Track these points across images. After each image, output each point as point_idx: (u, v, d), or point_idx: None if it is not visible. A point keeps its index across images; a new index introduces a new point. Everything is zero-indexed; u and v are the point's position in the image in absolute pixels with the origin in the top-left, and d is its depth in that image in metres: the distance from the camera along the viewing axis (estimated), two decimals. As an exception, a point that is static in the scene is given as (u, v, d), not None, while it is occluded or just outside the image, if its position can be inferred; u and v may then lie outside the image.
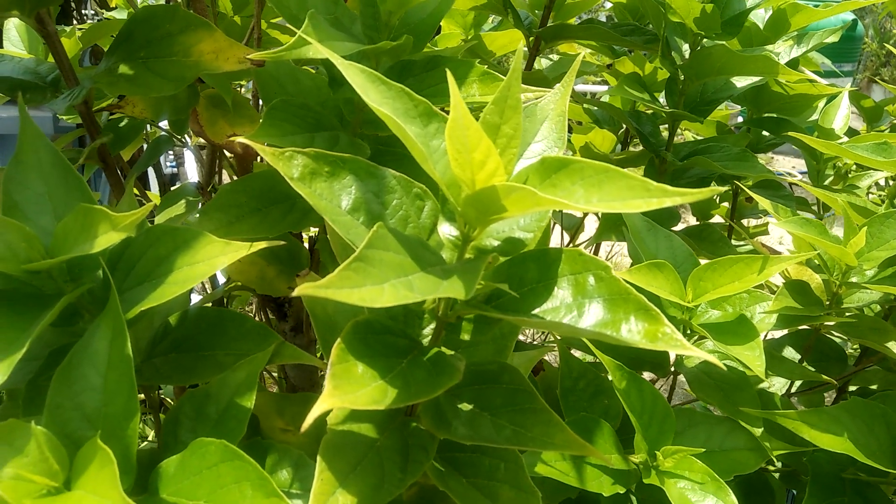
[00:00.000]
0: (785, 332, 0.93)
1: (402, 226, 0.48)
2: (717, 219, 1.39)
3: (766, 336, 0.84)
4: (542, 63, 1.28)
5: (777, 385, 0.95)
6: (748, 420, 0.72)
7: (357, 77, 0.44)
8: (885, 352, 0.78)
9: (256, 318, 0.74)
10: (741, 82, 1.01)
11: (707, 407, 1.07)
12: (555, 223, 1.46)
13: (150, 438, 1.29)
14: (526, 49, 1.06)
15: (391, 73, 0.63)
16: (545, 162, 0.42)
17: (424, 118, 0.46)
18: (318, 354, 1.05)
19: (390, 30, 0.62)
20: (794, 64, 1.09)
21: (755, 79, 1.00)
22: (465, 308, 0.47)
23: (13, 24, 0.93)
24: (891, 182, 1.57)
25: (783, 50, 1.08)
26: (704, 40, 0.96)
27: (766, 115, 1.13)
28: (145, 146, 1.04)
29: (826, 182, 1.20)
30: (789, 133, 0.96)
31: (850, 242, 0.72)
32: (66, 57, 0.68)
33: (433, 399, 0.45)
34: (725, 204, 1.38)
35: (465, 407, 0.50)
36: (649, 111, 1.11)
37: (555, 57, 1.31)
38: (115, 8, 1.19)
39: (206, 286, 1.29)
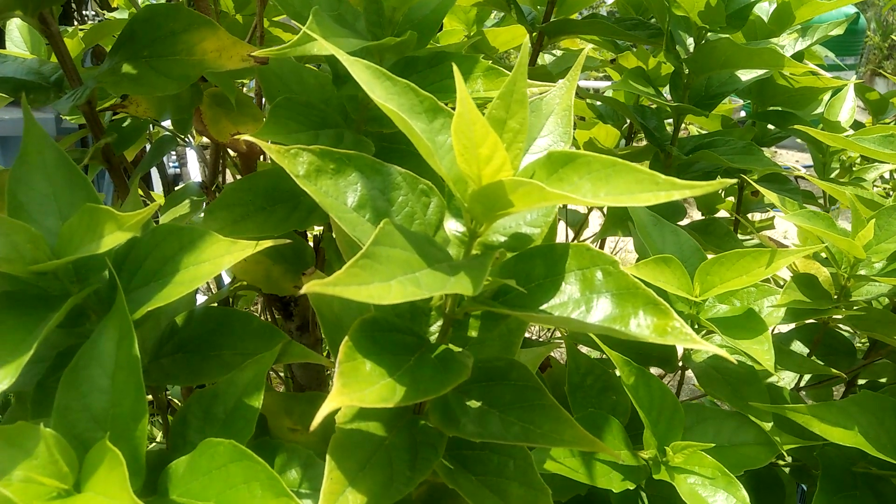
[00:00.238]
0: (792, 326, 0.92)
1: (408, 222, 0.48)
2: (722, 213, 1.39)
3: (773, 330, 0.84)
4: (545, 59, 1.28)
5: (786, 380, 0.94)
6: (757, 415, 0.71)
7: (362, 73, 0.44)
8: (894, 344, 0.78)
9: (262, 318, 0.74)
10: (746, 76, 1.00)
11: (714, 402, 1.07)
12: (559, 219, 1.46)
13: (158, 440, 1.29)
14: (529, 45, 1.05)
15: (395, 69, 0.63)
16: (552, 156, 0.42)
17: (430, 114, 0.46)
18: (325, 353, 1.05)
19: (394, 26, 0.62)
20: (799, 57, 1.08)
21: (760, 72, 1.00)
22: (473, 304, 0.47)
23: (16, 25, 0.93)
24: (895, 175, 1.57)
25: (788, 43, 1.08)
26: (709, 34, 0.95)
27: (770, 108, 1.12)
28: (148, 146, 1.04)
29: (832, 175, 1.20)
30: (796, 126, 0.96)
31: (858, 235, 0.71)
32: (70, 57, 0.68)
33: (441, 396, 0.44)
34: (731, 198, 1.37)
35: (474, 404, 0.50)
36: (654, 106, 1.10)
37: (558, 52, 1.31)
38: (117, 9, 1.19)
39: (212, 286, 1.29)
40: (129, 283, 0.53)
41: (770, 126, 1.17)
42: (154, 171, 1.81)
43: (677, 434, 0.67)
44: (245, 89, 1.23)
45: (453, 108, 0.39)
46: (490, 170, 0.39)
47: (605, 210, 1.25)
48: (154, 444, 1.23)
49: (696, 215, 1.37)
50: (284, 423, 0.67)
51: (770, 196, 0.81)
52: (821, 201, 1.24)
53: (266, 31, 0.94)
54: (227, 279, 1.03)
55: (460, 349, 0.49)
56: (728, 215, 1.37)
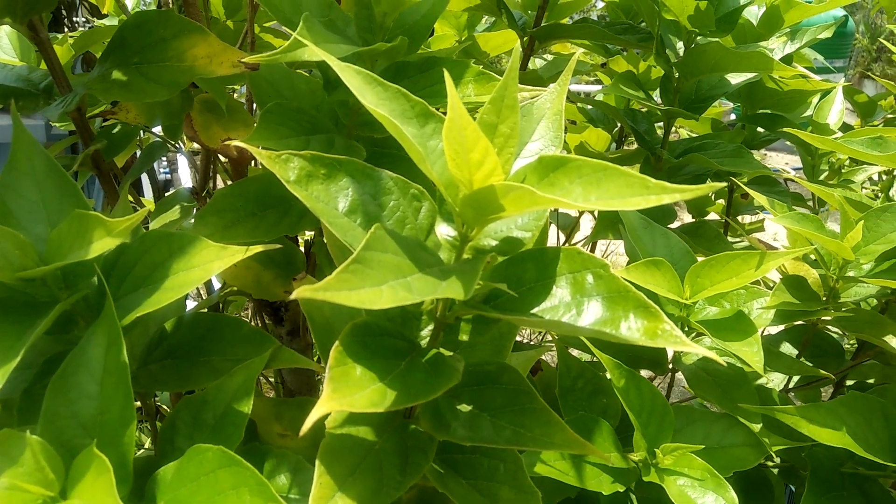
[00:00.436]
0: (781, 327, 0.93)
1: (400, 227, 0.48)
2: (712, 216, 1.39)
3: (762, 332, 0.84)
4: (536, 63, 1.28)
5: (774, 381, 0.95)
6: (747, 416, 0.72)
7: (353, 79, 0.44)
8: (882, 345, 0.78)
9: (252, 323, 0.74)
10: (736, 79, 1.01)
11: (703, 404, 1.07)
12: (550, 223, 1.46)
13: (146, 446, 1.28)
14: (521, 50, 1.06)
15: (386, 74, 0.63)
16: (543, 161, 0.42)
17: (421, 119, 0.46)
18: (315, 358, 1.04)
19: (385, 31, 0.62)
20: (788, 60, 1.09)
21: (750, 75, 1.00)
22: (464, 308, 0.47)
23: (4, 32, 0.93)
24: (884, 176, 1.57)
25: (777, 46, 1.08)
26: (698, 38, 0.96)
27: (760, 111, 1.13)
28: (139, 153, 1.04)
29: (821, 178, 1.21)
30: (786, 129, 0.96)
31: (847, 237, 0.72)
32: (59, 63, 0.68)
33: (432, 400, 0.44)
34: (721, 201, 1.38)
35: (465, 408, 0.50)
36: (644, 109, 1.11)
37: (549, 57, 1.31)
38: (107, 15, 1.19)
39: (202, 292, 1.29)
40: (118, 289, 0.52)
41: (760, 129, 1.18)
42: (145, 178, 1.80)
43: (667, 436, 0.67)
44: (236, 95, 1.23)
45: (444, 114, 0.39)
46: (481, 174, 0.40)
47: (596, 214, 1.25)
48: (142, 450, 1.23)
49: (685, 218, 1.37)
50: (274, 428, 0.66)
51: (760, 198, 0.81)
52: (810, 203, 1.25)
53: (257, 37, 0.94)
54: (217, 285, 1.03)
55: (451, 353, 0.49)
56: (718, 218, 1.38)
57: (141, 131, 1.00)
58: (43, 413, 0.46)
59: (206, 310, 0.88)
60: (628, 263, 0.76)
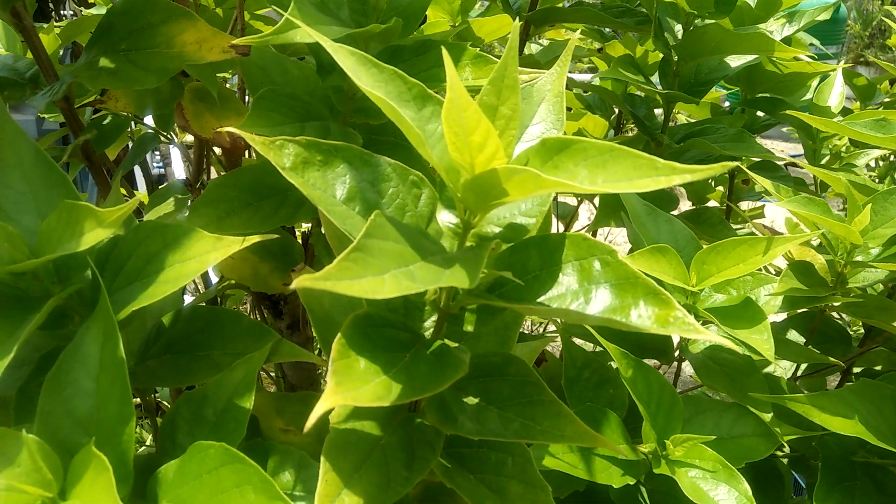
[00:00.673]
0: (784, 315, 0.92)
1: (400, 214, 0.47)
2: (711, 203, 1.38)
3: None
4: (532, 48, 1.27)
5: (781, 370, 0.93)
6: (757, 405, 0.70)
7: (347, 60, 0.42)
8: (892, 331, 0.77)
9: (252, 317, 0.72)
10: (735, 62, 0.99)
11: (707, 393, 1.06)
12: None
13: (147, 443, 1.27)
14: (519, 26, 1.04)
15: (381, 58, 0.61)
16: (546, 143, 0.40)
17: (419, 101, 0.44)
18: (316, 351, 1.03)
19: (378, 14, 0.60)
20: (786, 43, 1.07)
21: (749, 58, 0.99)
22: (468, 298, 0.46)
23: (-10, 22, 0.91)
24: (881, 162, 1.56)
25: (775, 29, 1.07)
26: (697, 20, 0.94)
27: (760, 95, 1.12)
28: (130, 145, 1.02)
29: (822, 162, 1.19)
30: (788, 112, 0.95)
31: (855, 220, 0.70)
32: (45, 52, 0.66)
33: (438, 394, 0.43)
34: (720, 188, 1.37)
35: (471, 401, 0.48)
36: (642, 94, 1.09)
37: (544, 42, 1.29)
38: (94, 5, 1.17)
39: (199, 286, 1.27)
40: (113, 282, 0.51)
41: (759, 113, 1.16)
42: (138, 171, 1.79)
43: (676, 427, 0.66)
44: (228, 85, 1.21)
45: (442, 97, 0.38)
46: (483, 158, 0.38)
47: (595, 202, 1.24)
48: (143, 447, 1.21)
49: (684, 205, 1.36)
50: (276, 423, 0.65)
51: (764, 183, 0.80)
52: (811, 188, 1.24)
53: (247, 25, 0.92)
54: (214, 278, 1.02)
55: (456, 344, 0.47)
56: (717, 205, 1.37)
57: (132, 122, 0.99)
58: (39, 411, 0.44)
59: (204, 304, 0.86)
60: (631, 251, 0.75)
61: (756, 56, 0.99)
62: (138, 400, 0.62)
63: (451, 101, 0.36)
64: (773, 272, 0.99)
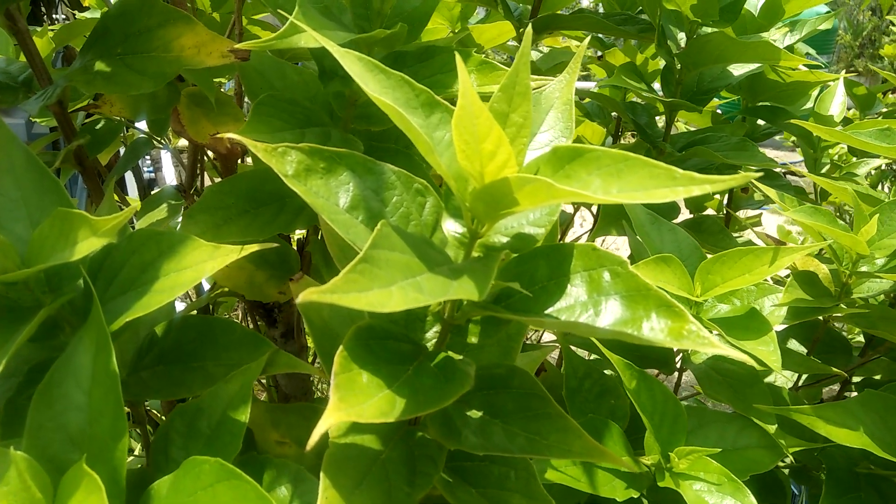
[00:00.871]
0: (785, 325, 0.91)
1: (404, 223, 0.46)
2: (708, 212, 1.37)
3: (771, 329, 0.82)
4: (532, 56, 1.26)
5: (782, 380, 0.92)
6: (761, 417, 0.69)
7: (354, 65, 0.41)
8: (895, 341, 0.76)
9: (243, 325, 0.71)
10: (738, 70, 0.98)
11: (700, 402, 1.04)
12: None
13: (137, 452, 1.25)
14: (514, 43, 1.03)
15: (384, 64, 0.60)
16: (557, 151, 0.39)
17: (426, 108, 0.43)
18: (310, 360, 1.01)
19: (382, 19, 0.59)
20: (789, 51, 1.07)
21: (752, 67, 0.98)
22: (474, 309, 0.45)
23: (-18, 25, 0.89)
24: (872, 172, 1.56)
25: (778, 38, 1.06)
26: (701, 28, 0.93)
27: (761, 103, 1.11)
28: (122, 150, 1.00)
29: (822, 171, 1.19)
30: (791, 120, 0.94)
31: (861, 230, 0.70)
32: (39, 55, 0.65)
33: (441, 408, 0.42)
34: (717, 196, 1.36)
35: (475, 414, 0.47)
36: (642, 102, 1.08)
37: (544, 49, 1.29)
38: (88, 9, 1.15)
39: (191, 293, 1.26)
40: (106, 292, 0.49)
41: (760, 122, 1.16)
42: (129, 176, 1.77)
43: (680, 439, 0.65)
44: (223, 90, 1.20)
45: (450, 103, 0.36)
46: (494, 166, 0.37)
47: (593, 209, 1.23)
48: (132, 456, 1.19)
49: (682, 214, 1.35)
50: (271, 436, 0.64)
51: (769, 192, 0.79)
52: (811, 197, 1.23)
53: (245, 30, 0.91)
54: (206, 285, 1.00)
55: (460, 356, 0.46)
56: (714, 213, 1.36)
57: (125, 127, 0.97)
58: (28, 426, 0.43)
59: (195, 312, 0.85)
60: (633, 260, 0.74)
61: (759, 65, 0.99)
62: (128, 410, 0.60)
63: (463, 107, 0.35)
64: (772, 282, 0.98)
